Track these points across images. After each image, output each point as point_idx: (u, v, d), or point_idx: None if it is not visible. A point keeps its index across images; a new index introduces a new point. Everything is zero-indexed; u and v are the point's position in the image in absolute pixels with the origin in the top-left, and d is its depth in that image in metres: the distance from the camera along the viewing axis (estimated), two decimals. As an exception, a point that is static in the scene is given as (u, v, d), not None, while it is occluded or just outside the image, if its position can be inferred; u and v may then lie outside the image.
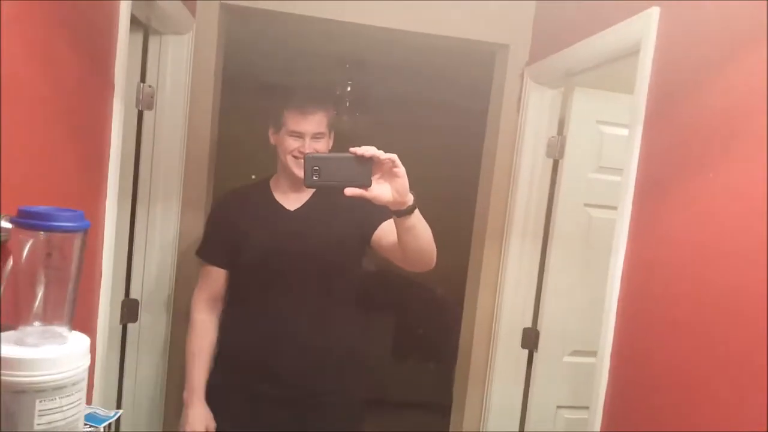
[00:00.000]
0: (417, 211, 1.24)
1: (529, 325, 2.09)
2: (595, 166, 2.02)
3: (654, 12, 1.36)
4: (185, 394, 1.67)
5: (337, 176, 1.11)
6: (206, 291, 1.71)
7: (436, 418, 2.60)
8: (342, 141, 1.54)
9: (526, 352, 2.10)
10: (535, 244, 2.07)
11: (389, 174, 1.14)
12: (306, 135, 1.58)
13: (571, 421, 2.03)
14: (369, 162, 1.11)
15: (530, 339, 2.08)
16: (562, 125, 2.04)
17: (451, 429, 2.32)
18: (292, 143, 1.59)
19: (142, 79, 1.88)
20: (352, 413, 1.72)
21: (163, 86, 1.93)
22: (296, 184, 1.62)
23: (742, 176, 1.10)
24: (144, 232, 1.95)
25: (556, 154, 2.03)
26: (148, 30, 1.88)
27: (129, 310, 1.92)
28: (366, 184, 1.12)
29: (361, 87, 3.37)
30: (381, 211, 1.24)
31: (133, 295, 1.94)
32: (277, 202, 1.68)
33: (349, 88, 3.33)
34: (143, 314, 1.96)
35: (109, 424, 1.06)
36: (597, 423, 1.42)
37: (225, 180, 2.18)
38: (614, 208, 1.53)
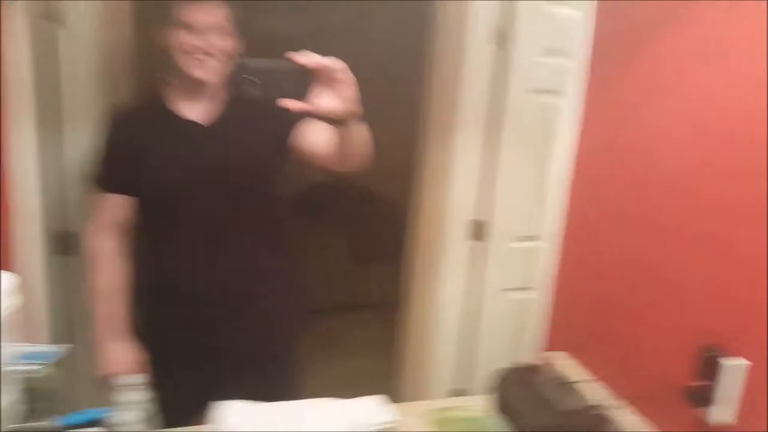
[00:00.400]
0: (360, 121, 1.18)
1: (476, 216, 2.10)
2: (543, 49, 1.95)
3: None
4: (97, 333, 1.49)
5: (274, 86, 1.00)
6: (103, 221, 1.49)
7: (390, 315, 2.67)
8: (272, 42, 1.39)
9: (473, 242, 2.12)
10: (482, 133, 2.03)
11: (333, 81, 1.04)
12: (201, 27, 1.35)
13: (514, 301, 2.11)
14: (308, 72, 1.02)
15: (478, 230, 2.10)
16: (509, 6, 1.93)
17: (400, 324, 2.39)
18: (185, 38, 1.36)
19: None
20: (292, 323, 1.67)
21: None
22: (195, 89, 1.42)
23: (697, 41, 1.06)
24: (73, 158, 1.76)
25: (503, 37, 1.94)
26: None
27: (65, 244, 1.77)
28: (306, 96, 1.03)
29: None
30: (292, 114, 1.16)
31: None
32: (181, 117, 1.46)
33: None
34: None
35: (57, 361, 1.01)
36: (543, 302, 1.46)
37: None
38: (561, 93, 1.48)
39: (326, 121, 1.26)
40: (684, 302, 1.08)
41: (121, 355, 1.49)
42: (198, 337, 1.52)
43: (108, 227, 1.49)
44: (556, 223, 1.43)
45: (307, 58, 1.00)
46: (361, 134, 1.22)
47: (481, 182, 2.08)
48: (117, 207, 1.48)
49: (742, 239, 0.95)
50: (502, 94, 1.98)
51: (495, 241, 2.10)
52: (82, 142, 1.75)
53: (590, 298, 1.34)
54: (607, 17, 1.29)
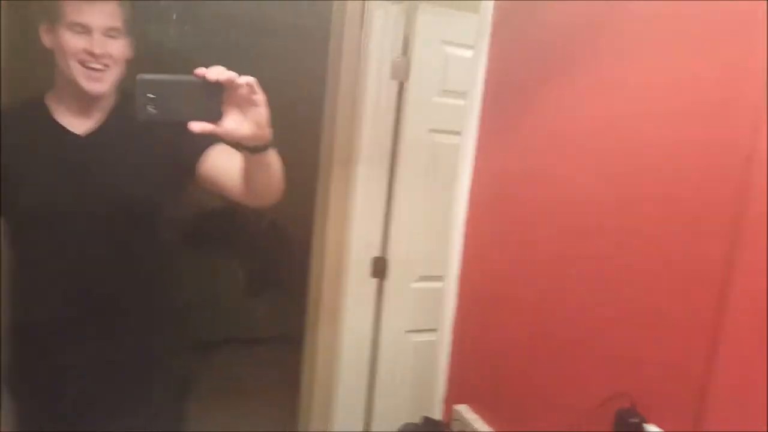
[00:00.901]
0: (273, 149, 1.06)
1: (378, 254, 2.06)
2: (440, 90, 1.98)
3: None
4: None
5: (180, 107, 0.88)
6: None
7: (290, 351, 2.54)
8: (171, 62, 1.25)
9: (376, 281, 2.08)
10: (382, 171, 2.01)
11: (245, 102, 0.92)
12: (94, 29, 1.18)
13: (418, 343, 2.08)
14: (219, 88, 0.89)
15: (380, 267, 2.05)
16: (407, 45, 1.94)
17: (303, 361, 2.27)
18: (76, 42, 1.18)
19: None
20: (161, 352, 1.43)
21: None
22: (84, 100, 1.24)
23: (586, 89, 1.09)
24: None
25: (401, 75, 1.94)
26: None
27: None
28: (217, 117, 0.90)
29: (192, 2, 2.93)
30: (204, 136, 0.98)
31: None
32: (60, 126, 1.27)
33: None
34: None
35: None
36: (445, 344, 1.43)
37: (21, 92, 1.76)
38: (459, 133, 1.49)
39: (235, 147, 1.14)
40: (592, 360, 1.04)
41: None
42: (62, 362, 1.31)
43: None
44: (456, 264, 1.41)
45: (215, 73, 0.88)
46: (272, 163, 1.09)
47: (382, 219, 2.05)
48: None
49: (654, 291, 0.93)
50: (400, 131, 1.97)
51: (397, 280, 2.07)
52: None
53: (490, 347, 1.32)
54: (499, 57, 1.31)
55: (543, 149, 1.19)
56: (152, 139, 1.24)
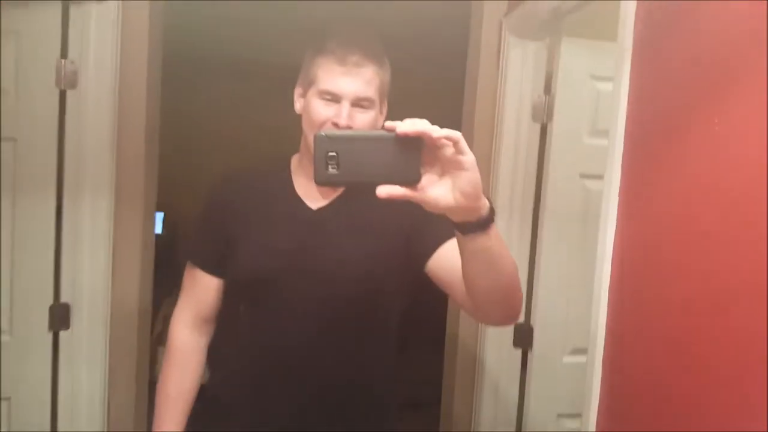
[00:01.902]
0: (494, 227, 0.80)
1: (521, 320, 1.79)
2: (591, 130, 1.71)
3: None
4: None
5: (366, 167, 0.72)
6: (193, 306, 1.25)
7: (426, 418, 2.32)
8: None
9: (519, 351, 1.80)
10: (524, 223, 1.77)
11: (448, 164, 0.72)
12: (344, 98, 1.06)
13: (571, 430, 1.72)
14: (417, 145, 0.71)
15: (523, 336, 1.77)
16: (549, 83, 1.73)
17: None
18: (323, 110, 1.07)
19: (63, 55, 1.66)
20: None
21: (87, 62, 1.70)
22: None
23: (745, 125, 0.80)
24: (73, 227, 1.72)
25: (543, 117, 1.73)
26: (69, -1, 1.66)
27: (59, 316, 1.70)
28: (413, 180, 0.72)
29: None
30: (444, 225, 0.81)
31: (64, 298, 1.72)
32: (296, 195, 1.18)
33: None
34: (76, 320, 1.73)
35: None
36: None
37: (172, 168, 1.96)
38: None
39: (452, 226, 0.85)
40: (746, 415, 0.73)
41: None
42: None
43: (196, 315, 1.26)
44: (600, 336, 1.12)
45: (407, 126, 0.70)
46: (494, 250, 0.82)
47: (525, 278, 1.79)
48: (209, 289, 1.24)
49: None
50: (544, 177, 1.73)
51: (545, 351, 1.77)
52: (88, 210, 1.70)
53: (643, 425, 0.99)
54: (643, 88, 1.05)
55: (698, 196, 0.90)
56: (387, 222, 1.12)
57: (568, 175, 1.72)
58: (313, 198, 1.17)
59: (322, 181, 0.73)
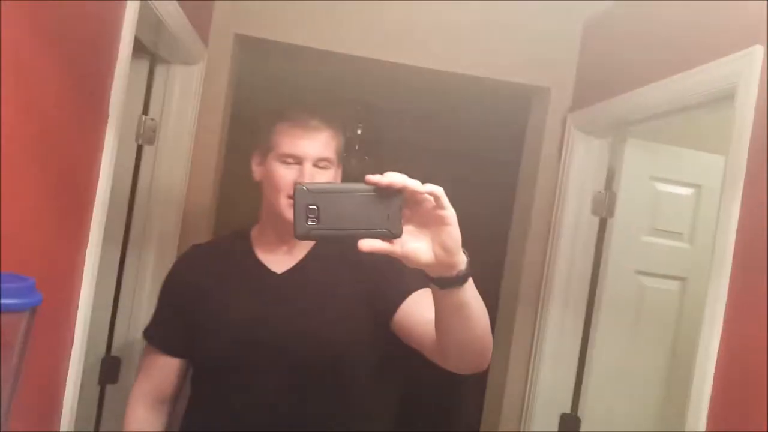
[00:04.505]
0: (471, 281, 0.79)
1: (568, 410, 1.79)
2: (650, 229, 1.77)
3: (758, 51, 1.12)
4: None
5: (346, 220, 0.70)
6: (150, 387, 1.23)
7: None
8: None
9: (564, 442, 1.79)
10: (578, 314, 1.80)
11: (430, 219, 0.71)
12: (305, 160, 1.10)
13: None
14: (397, 199, 0.70)
15: (570, 427, 1.77)
16: (610, 180, 1.80)
17: None
18: (285, 174, 1.11)
19: (144, 112, 1.71)
20: None
21: (167, 120, 1.76)
22: (286, 235, 1.14)
23: None
24: (134, 280, 1.73)
25: (603, 212, 1.78)
26: (156, 58, 1.73)
27: (109, 370, 1.69)
28: (393, 234, 0.70)
29: (375, 130, 3.14)
30: (410, 276, 0.84)
31: (115, 351, 1.71)
32: (259, 262, 1.19)
33: (359, 131, 3.08)
34: (125, 373, 1.71)
35: None
36: None
37: (229, 225, 1.99)
38: (672, 277, 1.28)
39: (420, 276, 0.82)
40: None
41: None
42: None
43: (153, 396, 1.24)
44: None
45: (388, 179, 0.68)
46: (470, 305, 0.81)
47: (574, 370, 1.80)
48: (168, 371, 1.23)
49: None
50: (601, 271, 1.77)
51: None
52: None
53: None
54: (752, 205, 1.10)
55: None
56: (351, 279, 1.13)
57: (624, 270, 1.76)
58: (277, 263, 1.17)
59: (302, 234, 0.70)
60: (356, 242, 0.69)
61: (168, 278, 1.27)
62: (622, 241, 1.76)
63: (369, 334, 1.13)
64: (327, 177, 1.12)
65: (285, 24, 1.85)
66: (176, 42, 1.60)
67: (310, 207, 0.69)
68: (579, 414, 1.77)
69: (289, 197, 1.09)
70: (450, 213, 0.71)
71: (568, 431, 1.77)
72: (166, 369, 1.22)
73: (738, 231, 1.11)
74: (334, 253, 1.13)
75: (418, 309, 1.01)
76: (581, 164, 1.83)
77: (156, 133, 1.73)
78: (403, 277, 0.85)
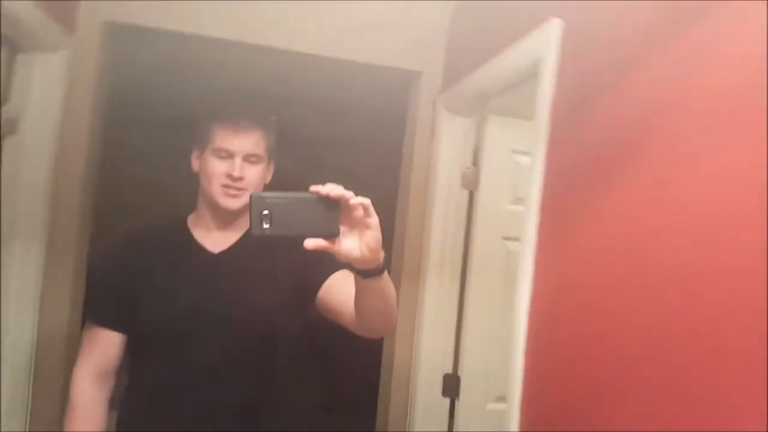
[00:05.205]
0: (386, 272, 1.00)
1: (449, 370, 1.92)
2: (512, 198, 1.93)
3: (555, 26, 1.28)
4: None
5: (295, 223, 0.87)
6: (92, 362, 1.31)
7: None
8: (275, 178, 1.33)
9: (447, 400, 1.92)
10: (453, 281, 1.93)
11: (358, 223, 0.90)
12: (237, 155, 1.25)
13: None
14: (335, 206, 0.87)
15: (451, 386, 1.91)
16: (477, 155, 1.94)
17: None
18: (219, 166, 1.26)
19: (3, 101, 1.64)
20: None
21: (30, 110, 1.69)
22: (222, 220, 1.31)
23: (648, 190, 1.00)
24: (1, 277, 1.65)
25: (471, 185, 1.92)
26: (14, 47, 1.66)
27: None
28: (333, 234, 0.88)
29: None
30: (329, 260, 0.98)
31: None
32: (197, 243, 1.32)
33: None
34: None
35: None
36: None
37: (111, 220, 1.94)
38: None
39: (349, 269, 1.07)
40: None
41: None
42: None
43: (96, 371, 1.31)
44: (518, 384, 1.27)
45: (328, 189, 0.86)
46: (385, 290, 1.04)
47: (453, 332, 1.94)
48: (109, 345, 1.30)
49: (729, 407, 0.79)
50: (471, 240, 1.92)
51: (471, 400, 1.90)
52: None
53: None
54: (557, 163, 1.26)
55: (600, 257, 1.09)
56: (279, 261, 1.26)
57: (491, 237, 1.91)
58: (213, 244, 1.32)
59: (258, 235, 0.86)
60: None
61: (105, 258, 1.39)
62: (488, 211, 1.91)
63: (295, 308, 1.31)
64: (257, 171, 1.28)
65: (156, 10, 1.83)
66: (31, 29, 1.55)
67: (264, 213, 0.85)
68: (459, 373, 1.90)
69: (222, 186, 1.26)
70: (375, 220, 0.90)
71: (450, 389, 1.91)
72: (107, 344, 1.30)
73: (543, 187, 1.27)
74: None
75: (337, 287, 1.22)
76: (450, 143, 1.96)
77: (16, 123, 1.66)
78: (323, 260, 1.01)
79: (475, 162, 1.94)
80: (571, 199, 1.22)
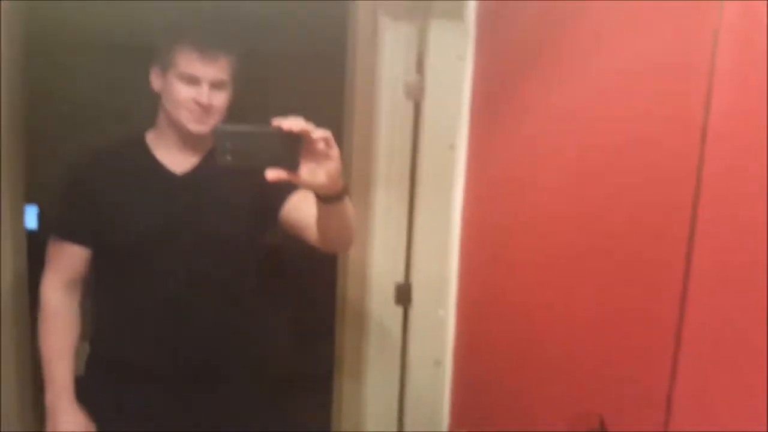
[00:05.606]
0: (346, 197, 1.11)
1: (401, 279, 1.98)
2: (458, 105, 1.90)
3: None
4: (49, 397, 1.36)
5: (256, 155, 0.91)
6: (61, 274, 1.37)
7: (322, 383, 2.48)
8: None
9: (401, 309, 1.99)
10: (401, 192, 1.94)
11: (320, 155, 0.96)
12: (203, 81, 1.27)
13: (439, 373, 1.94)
14: (297, 139, 0.92)
15: (404, 294, 1.96)
16: (421, 64, 1.89)
17: (334, 391, 2.20)
18: (185, 91, 1.28)
19: None
20: (259, 399, 1.50)
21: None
22: (185, 141, 1.33)
23: (571, 82, 0.99)
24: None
25: (415, 93, 1.89)
26: None
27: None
28: (292, 166, 0.93)
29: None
30: (286, 182, 1.03)
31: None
32: (160, 163, 1.35)
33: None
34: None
35: None
36: (447, 379, 1.32)
37: (46, 160, 1.91)
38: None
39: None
40: (571, 382, 0.94)
41: (73, 421, 1.33)
42: (155, 413, 1.36)
43: (65, 281, 1.37)
44: (453, 286, 1.31)
45: (290, 123, 0.91)
46: (344, 212, 1.15)
47: (404, 243, 1.97)
48: (75, 259, 1.36)
49: (620, 306, 0.83)
50: (418, 151, 1.91)
51: (422, 307, 1.96)
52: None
53: (486, 375, 1.19)
54: (485, 61, 1.23)
55: (525, 153, 1.09)
56: (242, 182, 1.31)
57: (438, 146, 1.90)
58: (176, 165, 1.33)
59: (222, 165, 0.91)
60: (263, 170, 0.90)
61: (69, 177, 1.40)
62: (435, 120, 1.88)
63: (257, 226, 1.39)
64: (223, 96, 1.31)
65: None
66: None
67: (226, 145, 0.90)
68: (410, 281, 1.95)
69: (189, 111, 1.28)
70: (336, 152, 0.97)
71: (402, 297, 1.97)
72: (73, 257, 1.37)
73: (473, 89, 1.25)
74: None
75: (299, 206, 1.32)
76: (392, 52, 1.90)
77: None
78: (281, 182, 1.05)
79: (419, 70, 1.89)
80: (500, 99, 1.20)
